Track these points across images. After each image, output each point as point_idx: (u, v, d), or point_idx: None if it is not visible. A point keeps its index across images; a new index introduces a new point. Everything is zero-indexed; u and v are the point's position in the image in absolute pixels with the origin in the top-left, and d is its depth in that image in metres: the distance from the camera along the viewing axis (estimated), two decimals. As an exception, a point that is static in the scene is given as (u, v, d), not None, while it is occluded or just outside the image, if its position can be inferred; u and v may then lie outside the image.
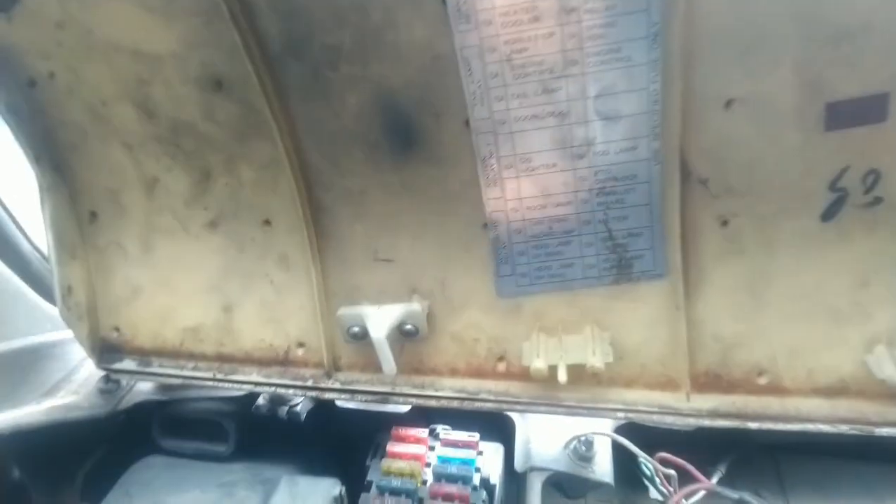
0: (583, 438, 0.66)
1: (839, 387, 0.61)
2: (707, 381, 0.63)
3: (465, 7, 0.51)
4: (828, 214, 0.58)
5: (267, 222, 0.67)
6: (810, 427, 0.60)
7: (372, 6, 0.52)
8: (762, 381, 0.62)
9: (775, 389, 0.62)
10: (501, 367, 0.67)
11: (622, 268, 0.63)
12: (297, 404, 0.74)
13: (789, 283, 0.60)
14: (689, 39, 0.51)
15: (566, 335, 0.65)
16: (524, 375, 0.64)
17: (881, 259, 0.58)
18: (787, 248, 0.59)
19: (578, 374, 0.62)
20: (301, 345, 0.70)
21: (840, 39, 0.50)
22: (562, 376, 0.61)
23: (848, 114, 0.54)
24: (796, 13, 0.49)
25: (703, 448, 0.70)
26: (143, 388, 0.77)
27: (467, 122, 0.58)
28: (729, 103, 0.54)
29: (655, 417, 0.63)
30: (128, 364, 0.74)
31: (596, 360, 0.61)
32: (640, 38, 0.51)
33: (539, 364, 0.61)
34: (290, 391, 0.70)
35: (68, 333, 0.75)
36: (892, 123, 0.53)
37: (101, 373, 0.76)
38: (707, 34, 0.51)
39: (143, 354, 0.75)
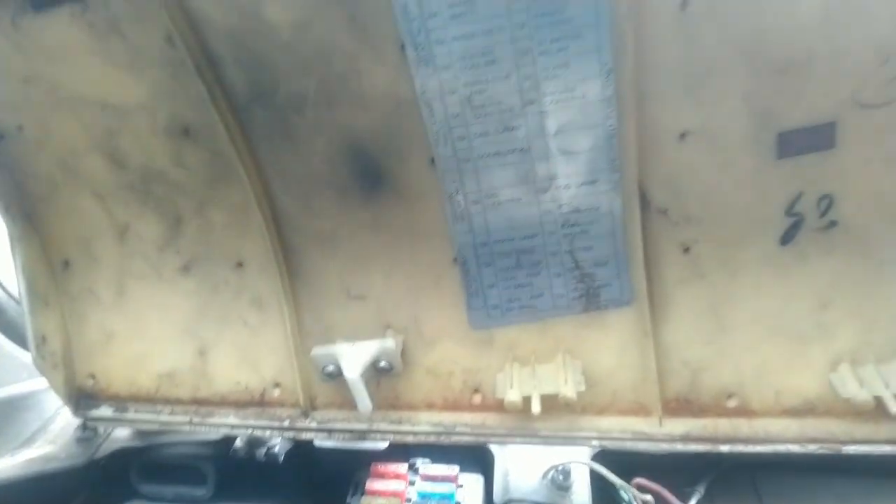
0: (560, 468, 0.67)
1: (806, 407, 0.62)
2: (678, 406, 0.64)
3: (424, 53, 0.52)
4: (786, 238, 0.60)
5: (239, 264, 0.67)
6: (780, 448, 0.61)
7: (335, 55, 0.53)
8: (731, 403, 0.63)
9: (744, 411, 0.63)
10: (477, 399, 0.68)
11: (590, 296, 0.64)
12: (274, 445, 0.73)
13: (752, 306, 0.62)
14: (641, 76, 0.53)
15: (539, 364, 0.66)
16: (500, 407, 0.65)
17: (840, 280, 0.60)
18: (748, 272, 0.61)
19: (552, 403, 0.63)
20: (277, 385, 0.70)
21: (786, 71, 0.52)
22: (535, 407, 0.61)
23: (798, 142, 0.56)
24: (742, 47, 0.51)
25: (682, 469, 0.71)
26: (120, 435, 0.76)
27: (432, 161, 0.59)
28: (683, 135, 0.56)
29: (629, 444, 0.64)
30: (104, 411, 0.74)
31: (568, 389, 0.61)
32: (594, 77, 0.53)
33: (513, 396, 0.62)
34: (268, 432, 0.70)
35: (44, 382, 0.75)
36: (842, 150, 0.55)
37: (78, 421, 0.75)
38: (657, 71, 0.53)
39: (119, 401, 0.74)
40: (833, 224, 0.58)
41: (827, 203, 0.58)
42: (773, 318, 0.61)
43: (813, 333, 0.61)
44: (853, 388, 0.58)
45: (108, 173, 0.64)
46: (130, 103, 0.59)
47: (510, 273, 0.64)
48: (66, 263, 0.72)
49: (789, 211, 0.59)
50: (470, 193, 0.61)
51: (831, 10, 0.49)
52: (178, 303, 0.70)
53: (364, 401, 0.63)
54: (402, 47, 0.52)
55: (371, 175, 0.61)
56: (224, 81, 0.56)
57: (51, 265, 0.72)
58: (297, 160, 0.60)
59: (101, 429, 0.76)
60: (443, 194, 0.61)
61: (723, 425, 0.63)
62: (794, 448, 0.61)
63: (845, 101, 0.53)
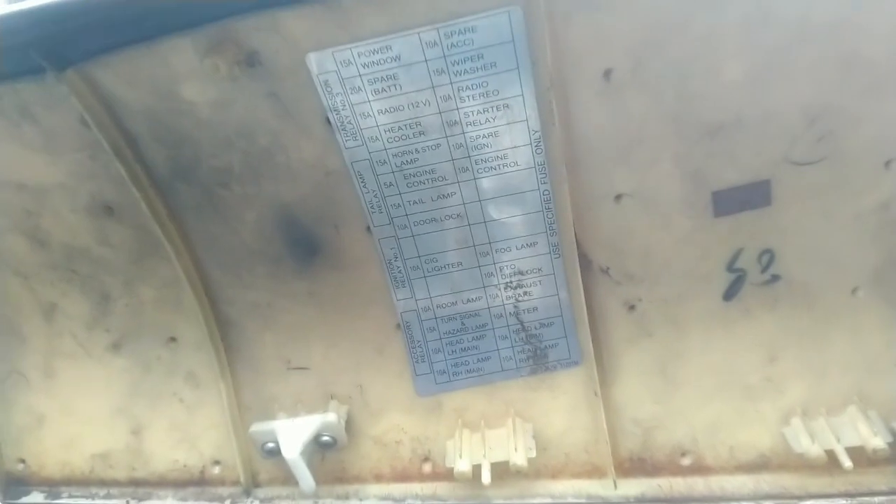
0: (516, 536, 0.65)
1: (760, 462, 0.61)
2: (632, 466, 0.63)
3: (350, 126, 0.51)
4: (729, 294, 0.59)
5: (172, 340, 0.64)
6: (737, 506, 0.60)
7: (258, 131, 0.52)
8: (686, 461, 0.62)
9: (699, 469, 0.62)
10: (427, 468, 0.65)
11: (538, 358, 0.63)
12: (218, 526, 0.70)
13: (700, 363, 0.61)
14: (570, 143, 0.52)
15: (489, 430, 0.64)
16: (451, 475, 0.62)
17: (786, 334, 0.59)
18: (694, 328, 0.60)
19: (504, 469, 0.61)
20: (217, 463, 0.67)
21: (715, 133, 0.52)
22: (486, 477, 0.59)
23: (734, 201, 0.56)
24: (669, 112, 0.51)
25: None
26: (54, 522, 0.72)
27: (369, 228, 0.58)
28: (618, 197, 0.55)
29: (585, 509, 0.62)
30: (35, 497, 0.70)
31: (518, 456, 0.60)
32: (524, 146, 0.52)
33: (462, 466, 0.60)
34: (210, 513, 0.67)
35: (-30, 468, 0.71)
36: (779, 206, 0.55)
37: (7, 509, 0.71)
38: (587, 137, 0.52)
39: (52, 485, 0.70)
40: (775, 278, 0.58)
41: (768, 258, 0.58)
42: (723, 373, 0.61)
43: (763, 387, 0.61)
44: (805, 442, 0.58)
45: (30, 253, 0.61)
46: (48, 184, 0.56)
47: (455, 337, 0.63)
48: (-9, 344, 0.68)
49: (731, 267, 0.58)
50: (409, 259, 0.59)
51: (754, 73, 0.49)
52: (109, 382, 0.67)
53: (306, 479, 0.60)
54: (327, 120, 0.51)
55: (305, 245, 0.59)
56: (144, 160, 0.53)
57: (-26, 346, 0.68)
58: (227, 233, 0.58)
59: (32, 516, 0.72)
60: (381, 261, 0.59)
61: (678, 484, 0.62)
62: (750, 506, 0.60)
63: (777, 160, 0.53)
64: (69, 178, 0.55)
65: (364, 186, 0.55)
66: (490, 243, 0.58)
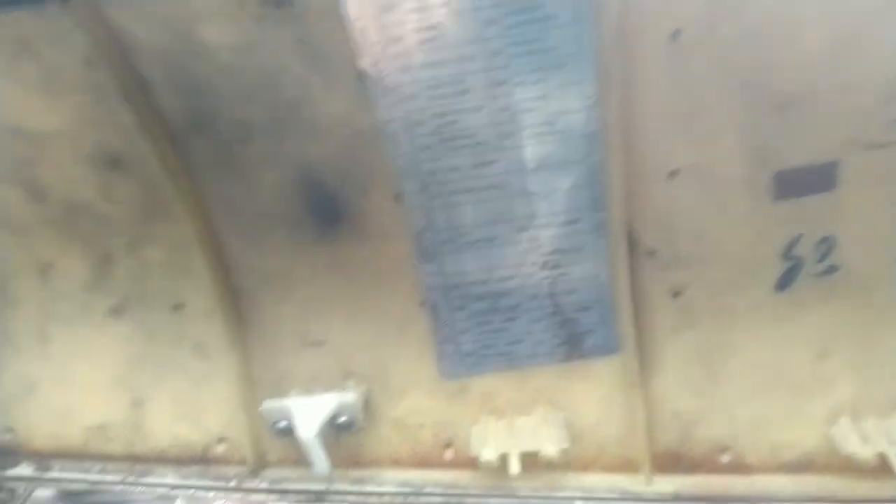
0: (539, 530, 0.61)
1: (804, 462, 0.57)
2: (668, 462, 0.59)
3: (388, 81, 0.46)
4: (782, 284, 0.55)
5: (179, 306, 0.60)
6: (777, 508, 0.56)
7: (284, 82, 0.47)
8: (725, 458, 0.58)
9: (739, 467, 0.58)
10: (449, 454, 0.61)
11: (573, 344, 0.58)
12: (220, 507, 0.66)
13: (747, 356, 0.57)
14: (628, 110, 0.47)
15: (517, 417, 0.60)
16: (474, 463, 0.58)
17: (839, 329, 0.55)
18: (741, 319, 0.56)
19: (532, 459, 0.57)
20: (222, 440, 0.62)
21: (784, 108, 0.47)
22: (514, 467, 0.55)
23: (797, 183, 0.51)
24: (738, 81, 0.46)
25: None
26: (43, 496, 0.67)
27: (398, 195, 0.53)
28: (673, 173, 0.51)
29: (616, 504, 0.58)
30: (24, 469, 0.65)
31: (550, 447, 0.56)
32: (576, 111, 0.47)
33: (489, 455, 0.56)
34: (211, 493, 0.62)
35: (-45, 435, 0.66)
36: (843, 191, 0.50)
37: (-6, 481, 0.67)
38: (646, 104, 0.47)
39: (42, 458, 0.66)
40: (833, 269, 0.54)
41: (827, 247, 0.53)
42: (770, 368, 0.57)
43: (811, 385, 0.57)
44: (855, 444, 0.54)
45: (27, 206, 0.56)
46: (48, 130, 0.51)
47: (485, 317, 0.58)
48: (-19, 305, 0.63)
49: (787, 254, 0.54)
50: (440, 231, 0.54)
51: (836, 44, 0.44)
52: (109, 349, 0.62)
53: (321, 462, 0.56)
54: (362, 72, 0.46)
55: (328, 210, 0.54)
56: (156, 108, 0.48)
57: (-37, 307, 0.63)
58: (244, 194, 0.53)
59: (20, 489, 0.67)
60: (410, 232, 0.54)
61: (716, 483, 0.58)
62: (792, 508, 0.56)
63: (847, 141, 0.49)
64: (71, 124, 0.50)
65: (397, 149, 0.50)
66: (530, 217, 0.53)
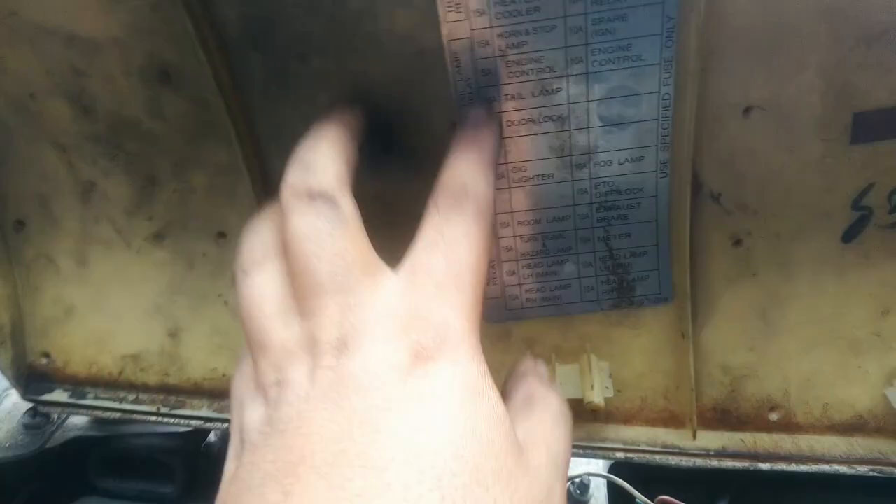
0: (577, 481, 0.60)
1: (856, 423, 0.56)
2: (714, 417, 0.57)
3: (455, -8, 0.44)
4: (849, 235, 0.53)
5: (221, 235, 0.58)
6: (826, 468, 0.55)
7: (348, -9, 0.45)
8: (774, 416, 0.57)
9: (788, 426, 0.57)
10: (488, 400, 0.60)
11: (623, 290, 0.57)
12: (254, 442, 0.65)
13: (805, 310, 0.55)
14: (708, 38, 0.45)
15: (561, 365, 0.58)
16: (513, 410, 0.57)
17: (904, 285, 0.53)
18: (803, 270, 0.54)
19: (574, 408, 0.55)
20: (260, 374, 0.61)
21: (872, 41, 0.45)
22: (556, 412, 0.54)
23: (877, 125, 0.49)
24: (827, 9, 0.44)
25: (706, 480, 0.65)
26: (77, 423, 0.67)
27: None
28: (748, 110, 0.48)
29: (659, 458, 0.57)
30: (59, 395, 0.65)
31: (595, 395, 0.54)
32: (654, 35, 0.45)
33: (531, 399, 0.55)
34: (247, 428, 0.62)
35: (-11, 359, 0.66)
36: (924, 137, 0.48)
37: (28, 405, 0.66)
38: (728, 32, 0.45)
39: (77, 384, 0.65)
40: (903, 221, 0.52)
41: (900, 197, 0.51)
42: (828, 323, 0.55)
43: (870, 342, 0.55)
44: (913, 405, 0.52)
45: (72, 121, 0.54)
46: (101, 37, 0.49)
47: (534, 259, 0.56)
48: (20, 224, 0.62)
49: (857, 204, 0.52)
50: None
51: (940, -32, 0.42)
52: (148, 276, 0.61)
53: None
54: (427, -16, 0.44)
55: (382, 138, 0.52)
56: (214, 16, 0.46)
57: (2, 226, 0.62)
58: (296, 116, 0.51)
59: (54, 415, 0.67)
60: (463, 165, 0.52)
61: (763, 440, 0.56)
62: (842, 469, 0.54)
63: (936, 80, 0.46)
64: (125, 33, 0.48)
65: (458, 72, 0.48)
66: (590, 153, 0.51)
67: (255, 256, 0.39)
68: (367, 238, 0.39)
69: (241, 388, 0.37)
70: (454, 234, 0.37)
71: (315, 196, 0.37)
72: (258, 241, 0.41)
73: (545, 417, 0.39)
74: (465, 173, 0.41)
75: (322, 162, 0.39)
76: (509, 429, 0.33)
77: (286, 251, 0.37)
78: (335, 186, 0.38)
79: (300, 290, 0.35)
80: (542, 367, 0.48)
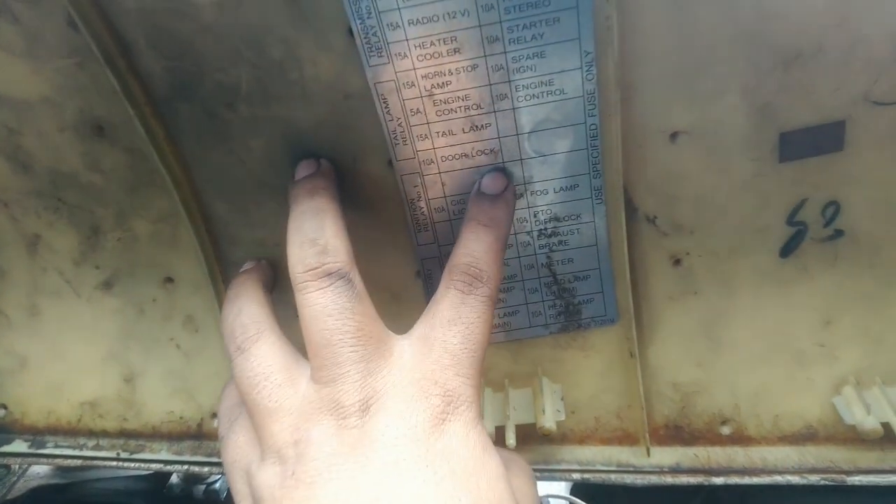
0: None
1: (807, 433, 0.56)
2: (667, 434, 0.58)
3: (376, 39, 0.44)
4: (786, 250, 0.53)
5: (169, 280, 0.58)
6: (779, 479, 0.55)
7: (270, 42, 0.45)
8: (725, 430, 0.57)
9: (740, 439, 0.57)
10: (444, 428, 0.60)
11: (570, 314, 0.57)
12: (214, 482, 0.66)
13: (748, 324, 0.55)
14: (627, 69, 0.46)
15: (514, 390, 0.59)
16: (469, 437, 0.58)
17: (843, 295, 0.54)
18: (744, 286, 0.55)
19: (529, 432, 0.57)
20: (216, 416, 0.61)
21: (790, 63, 0.45)
22: (510, 440, 0.54)
23: (803, 143, 0.49)
24: (742, 35, 0.44)
25: (668, 492, 0.65)
26: (38, 472, 0.67)
27: (390, 163, 0.51)
28: (674, 135, 0.49)
29: (614, 476, 0.57)
30: (18, 446, 0.65)
31: (547, 419, 0.55)
32: (573, 69, 0.46)
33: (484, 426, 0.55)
34: (206, 468, 0.62)
35: (-53, 413, 0.66)
36: (851, 151, 0.49)
37: (-12, 457, 0.66)
38: (646, 61, 0.45)
39: (36, 434, 0.65)
40: (839, 234, 0.52)
41: (833, 210, 0.52)
42: (772, 336, 0.55)
43: (814, 353, 0.55)
44: (859, 413, 0.53)
45: (12, 177, 0.55)
46: (32, 97, 0.49)
47: (480, 288, 0.57)
48: (-30, 279, 0.62)
49: (791, 220, 0.52)
50: (434, 200, 0.53)
51: (848, -8, 0.42)
52: (100, 324, 0.61)
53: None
54: (349, 31, 0.44)
55: (319, 179, 0.52)
56: (139, 71, 0.47)
57: (-49, 281, 0.62)
58: (232, 162, 0.51)
59: (14, 466, 0.67)
60: (402, 201, 0.53)
61: (716, 454, 0.57)
62: (794, 479, 0.55)
63: (856, 98, 0.47)
64: (55, 91, 0.48)
65: (388, 113, 0.48)
66: (525, 184, 0.52)
67: (249, 334, 0.43)
68: (374, 310, 0.43)
69: (241, 458, 0.40)
70: (470, 316, 0.41)
71: (333, 275, 0.41)
72: (248, 319, 0.44)
73: (520, 474, 0.42)
74: (482, 258, 0.44)
75: (333, 242, 0.43)
76: (509, 482, 0.37)
77: (303, 326, 0.40)
78: (349, 265, 0.42)
79: (321, 360, 0.39)
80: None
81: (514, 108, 0.48)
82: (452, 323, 0.41)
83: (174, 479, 0.69)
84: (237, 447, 0.41)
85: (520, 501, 0.37)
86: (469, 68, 0.46)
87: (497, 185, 0.50)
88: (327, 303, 0.40)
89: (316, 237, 0.43)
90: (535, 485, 0.44)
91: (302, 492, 0.34)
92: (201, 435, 0.63)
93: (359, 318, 0.40)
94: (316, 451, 0.35)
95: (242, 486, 0.39)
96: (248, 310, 0.45)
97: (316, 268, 0.41)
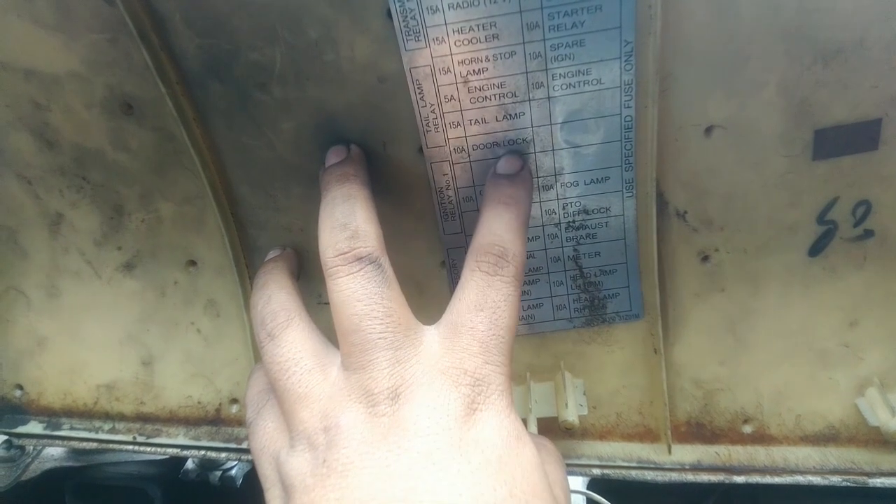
0: (555, 498, 0.60)
1: (829, 434, 0.56)
2: (689, 431, 0.58)
3: (414, 23, 0.44)
4: (815, 249, 0.53)
5: (191, 263, 0.58)
6: (800, 479, 0.55)
7: (307, 21, 0.45)
8: (747, 429, 0.57)
9: (761, 438, 0.57)
10: (463, 420, 0.60)
11: (595, 308, 0.57)
12: (231, 468, 0.65)
13: (774, 323, 0.55)
14: (666, 60, 0.45)
15: (535, 383, 0.59)
16: (489, 429, 0.57)
17: (870, 296, 0.54)
18: (771, 284, 0.54)
19: (548, 426, 0.56)
20: (234, 401, 0.61)
21: (830, 59, 0.45)
22: (531, 431, 0.54)
23: (837, 141, 0.49)
24: (783, 29, 0.44)
25: (685, 493, 0.65)
26: (53, 454, 0.67)
27: (420, 150, 0.51)
28: (709, 129, 0.48)
29: (635, 473, 0.57)
30: (33, 427, 0.64)
31: (569, 413, 0.55)
32: (612, 59, 0.45)
33: (505, 419, 0.55)
34: (223, 454, 0.61)
35: (-38, 392, 0.65)
36: (886, 151, 0.48)
37: (2, 438, 0.65)
38: (686, 53, 0.45)
39: (52, 415, 0.65)
40: (868, 234, 0.52)
41: (864, 210, 0.51)
42: (797, 336, 0.55)
43: (839, 353, 0.55)
44: (883, 415, 0.53)
45: (36, 154, 0.54)
46: (61, 72, 0.49)
47: (505, 280, 0.57)
48: (-11, 258, 0.62)
49: (822, 218, 0.52)
50: (463, 189, 0.53)
51: (892, -12, 0.42)
52: (120, 305, 0.60)
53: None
54: (388, 13, 0.44)
55: (348, 164, 0.52)
56: (172, 48, 0.46)
57: (-30, 259, 0.62)
58: (261, 145, 0.51)
59: (29, 447, 0.66)
60: (431, 189, 0.52)
61: (737, 453, 0.57)
62: (815, 479, 0.55)
63: (894, 97, 0.46)
64: (85, 67, 0.48)
65: (421, 99, 0.48)
66: (556, 175, 0.52)
67: (279, 320, 0.43)
68: (404, 297, 0.42)
69: (270, 444, 0.40)
70: (496, 299, 0.40)
71: (363, 259, 0.40)
72: (278, 306, 0.44)
73: (551, 460, 0.41)
74: (504, 236, 0.43)
75: (364, 227, 0.42)
76: (544, 471, 0.36)
77: (333, 311, 0.40)
78: (379, 250, 0.42)
79: (349, 346, 0.38)
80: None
81: (549, 98, 0.48)
82: (479, 308, 0.40)
83: (189, 464, 0.69)
84: (266, 433, 0.40)
85: (553, 488, 0.37)
86: (507, 55, 0.46)
87: (514, 165, 0.49)
88: (357, 287, 0.39)
89: (347, 222, 0.42)
90: (565, 469, 0.43)
91: (334, 479, 0.33)
92: (219, 420, 0.62)
93: (388, 304, 0.39)
94: (347, 439, 0.35)
95: (271, 471, 0.39)
96: (277, 297, 0.45)
97: (346, 252, 0.40)
